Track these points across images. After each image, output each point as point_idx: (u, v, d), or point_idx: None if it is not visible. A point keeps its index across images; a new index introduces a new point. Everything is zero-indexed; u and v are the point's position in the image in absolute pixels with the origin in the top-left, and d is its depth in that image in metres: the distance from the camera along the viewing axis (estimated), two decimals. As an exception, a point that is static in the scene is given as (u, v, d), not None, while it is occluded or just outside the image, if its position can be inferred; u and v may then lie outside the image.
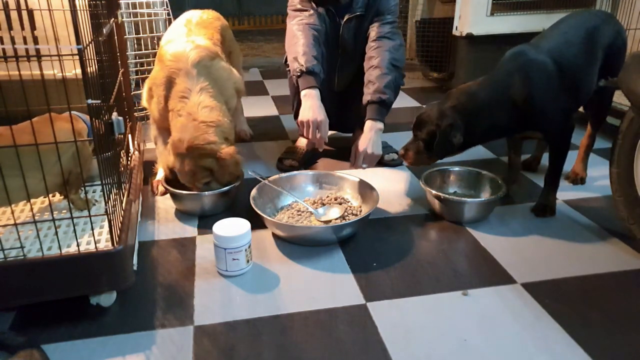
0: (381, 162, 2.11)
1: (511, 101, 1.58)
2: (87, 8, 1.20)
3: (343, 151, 2.26)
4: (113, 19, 1.78)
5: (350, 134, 2.35)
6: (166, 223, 1.68)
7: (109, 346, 1.15)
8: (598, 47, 1.71)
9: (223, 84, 1.77)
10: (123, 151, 1.62)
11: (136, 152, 1.82)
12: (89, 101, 1.06)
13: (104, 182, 1.14)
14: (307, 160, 2.15)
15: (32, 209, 1.43)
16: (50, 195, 1.49)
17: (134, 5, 2.51)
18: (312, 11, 1.98)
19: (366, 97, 1.89)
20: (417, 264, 1.46)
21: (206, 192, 1.66)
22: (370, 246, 1.55)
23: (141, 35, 2.56)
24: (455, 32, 2.94)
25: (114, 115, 1.28)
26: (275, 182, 1.74)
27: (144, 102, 1.86)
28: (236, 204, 1.75)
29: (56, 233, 1.23)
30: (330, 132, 2.44)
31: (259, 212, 1.55)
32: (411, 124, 1.71)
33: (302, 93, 1.86)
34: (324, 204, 1.72)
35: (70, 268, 1.16)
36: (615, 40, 1.76)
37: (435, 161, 1.71)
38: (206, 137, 1.61)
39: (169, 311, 1.26)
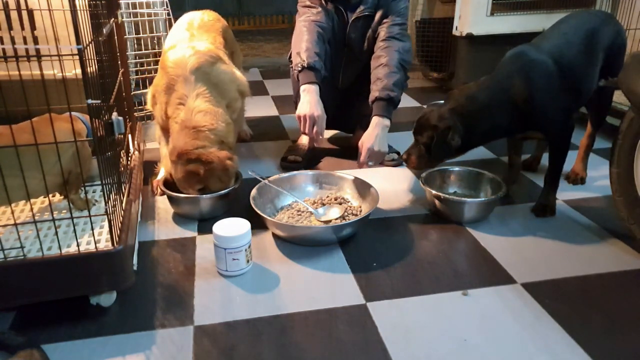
0: (381, 162, 2.11)
1: (512, 102, 1.58)
2: (87, 8, 1.20)
3: (344, 151, 2.26)
4: (113, 19, 1.78)
5: (351, 134, 2.35)
6: (166, 223, 1.68)
7: (109, 346, 1.15)
8: (598, 48, 1.71)
9: (224, 87, 1.76)
10: (123, 151, 1.62)
11: (136, 152, 1.82)
12: (89, 101, 1.06)
13: (104, 182, 1.14)
14: (310, 156, 2.15)
15: (32, 209, 1.43)
16: (50, 195, 1.49)
17: (134, 5, 2.51)
18: (320, 8, 2.00)
19: (374, 94, 1.88)
20: (417, 264, 1.46)
21: (203, 196, 1.65)
22: (370, 246, 1.55)
23: (141, 35, 2.56)
24: (455, 32, 2.94)
25: (114, 115, 1.28)
26: (275, 182, 1.74)
27: (149, 107, 1.88)
28: (236, 204, 1.75)
29: (56, 233, 1.23)
30: (331, 132, 2.45)
31: (259, 212, 1.55)
32: (411, 124, 1.71)
33: (302, 88, 1.87)
34: (324, 204, 1.72)
35: (70, 268, 1.16)
36: (615, 41, 1.76)
37: (437, 164, 1.71)
38: (195, 142, 1.60)
39: (169, 311, 1.26)
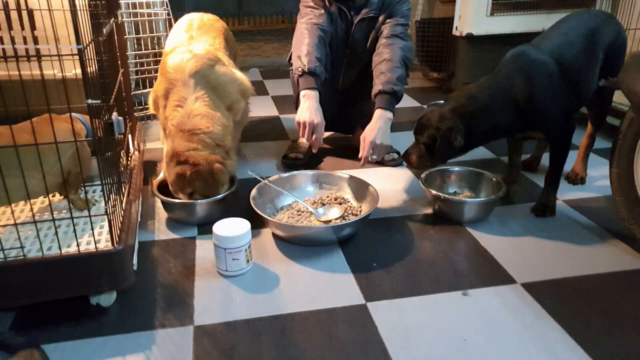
0: (381, 162, 2.11)
1: (513, 102, 1.58)
2: (87, 8, 1.20)
3: (345, 151, 2.26)
4: (113, 19, 1.78)
5: (350, 135, 2.35)
6: (166, 223, 1.68)
7: (109, 346, 1.15)
8: (598, 48, 1.71)
9: (224, 89, 1.76)
10: (123, 151, 1.62)
11: (136, 152, 1.82)
12: (89, 101, 1.06)
13: (104, 182, 1.14)
14: (311, 154, 2.15)
15: (32, 209, 1.43)
16: (50, 195, 1.49)
17: (134, 5, 2.51)
18: (322, 10, 1.99)
19: (377, 87, 1.87)
20: (417, 264, 1.46)
21: (197, 201, 1.60)
22: (370, 246, 1.55)
23: (141, 35, 2.56)
24: (455, 32, 2.94)
25: (114, 115, 1.28)
26: (275, 182, 1.74)
27: (152, 111, 1.88)
28: (236, 204, 1.75)
29: (56, 233, 1.23)
30: (330, 133, 2.45)
31: (259, 212, 1.55)
32: (411, 124, 1.71)
33: (302, 93, 1.87)
34: (324, 204, 1.72)
35: (70, 268, 1.16)
36: (615, 41, 1.76)
37: (439, 164, 1.71)
38: (188, 144, 1.59)
39: (169, 311, 1.26)
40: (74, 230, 1.20)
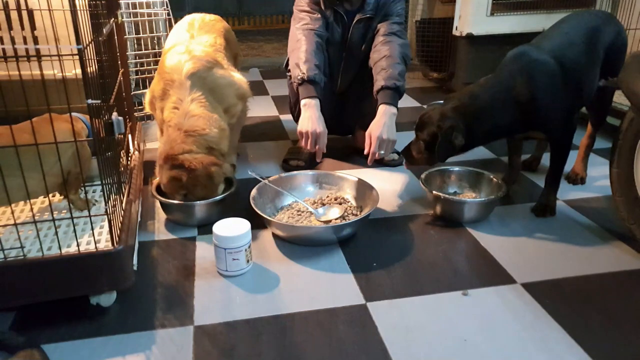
0: (381, 162, 2.11)
1: (514, 102, 1.58)
2: (87, 8, 1.20)
3: (345, 151, 2.26)
4: (113, 19, 1.78)
5: (349, 135, 2.35)
6: (166, 223, 1.68)
7: (109, 346, 1.15)
8: (599, 47, 1.71)
9: (221, 92, 1.74)
10: (123, 151, 1.62)
11: (136, 152, 1.82)
12: (89, 101, 1.06)
13: (104, 182, 1.14)
14: (312, 160, 2.15)
15: (32, 209, 1.43)
16: (50, 195, 1.49)
17: (134, 5, 2.51)
18: (318, 14, 1.98)
19: (379, 83, 1.86)
20: (417, 264, 1.46)
21: (197, 203, 1.60)
22: (370, 246, 1.55)
23: (141, 35, 2.56)
24: (455, 32, 2.94)
25: (114, 115, 1.28)
26: (275, 182, 1.74)
27: (148, 110, 1.87)
28: (236, 204, 1.75)
29: (56, 233, 1.23)
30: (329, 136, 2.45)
31: (259, 212, 1.55)
32: (411, 124, 1.71)
33: (302, 102, 1.86)
34: (324, 204, 1.72)
35: (70, 268, 1.16)
36: (615, 41, 1.76)
37: (437, 162, 1.71)
38: (182, 146, 1.57)
39: (169, 311, 1.26)
40: (74, 230, 1.20)
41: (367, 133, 1.82)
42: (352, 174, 1.80)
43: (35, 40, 1.72)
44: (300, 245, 1.54)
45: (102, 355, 1.12)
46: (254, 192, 1.65)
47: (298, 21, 2.00)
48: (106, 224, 1.26)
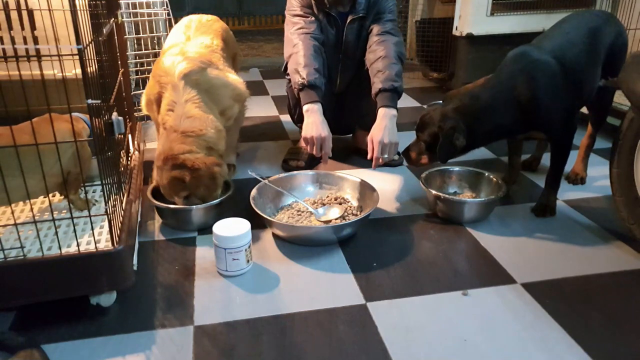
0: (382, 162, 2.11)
1: (516, 102, 1.58)
2: (87, 8, 1.20)
3: (345, 151, 2.26)
4: (113, 19, 1.78)
5: (349, 135, 2.36)
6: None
7: (109, 346, 1.15)
8: (600, 48, 1.71)
9: (217, 93, 1.73)
10: (123, 151, 1.62)
11: (136, 152, 1.82)
12: (89, 101, 1.06)
13: (104, 182, 1.14)
14: (312, 161, 2.15)
15: (32, 209, 1.43)
16: (50, 195, 1.49)
17: (134, 5, 2.51)
18: (312, 17, 1.98)
19: (377, 86, 1.86)
20: (417, 264, 1.46)
21: (193, 207, 1.58)
22: (370, 246, 1.55)
23: (141, 35, 2.56)
24: (455, 32, 2.94)
25: (114, 115, 1.28)
26: (275, 182, 1.74)
27: (145, 111, 1.86)
28: (236, 204, 1.74)
29: (56, 233, 1.23)
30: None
31: (259, 212, 1.55)
32: (411, 124, 1.71)
33: (305, 108, 1.85)
34: (324, 204, 1.72)
35: (70, 268, 1.16)
36: (616, 41, 1.76)
37: (437, 162, 1.71)
38: (182, 147, 1.56)
39: (169, 311, 1.26)
40: (74, 230, 1.21)
41: (369, 138, 1.81)
42: (352, 174, 1.80)
43: (35, 40, 1.72)
44: (300, 245, 1.54)
45: (102, 355, 1.12)
46: (254, 192, 1.65)
47: (292, 25, 1.99)
48: (106, 224, 1.26)
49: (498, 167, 2.13)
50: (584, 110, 1.95)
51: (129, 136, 1.82)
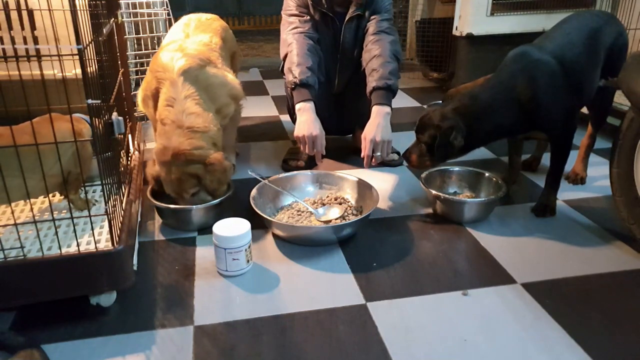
0: (381, 162, 2.11)
1: (516, 102, 1.58)
2: (87, 8, 1.20)
3: (344, 151, 2.26)
4: (113, 19, 1.78)
5: (349, 135, 2.36)
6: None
7: (109, 346, 1.15)
8: (600, 48, 1.71)
9: (214, 91, 1.72)
10: (123, 151, 1.62)
11: (136, 152, 1.82)
12: (89, 101, 1.06)
13: (104, 182, 1.14)
14: (312, 160, 2.15)
15: (32, 209, 1.43)
16: (50, 195, 1.49)
17: (134, 5, 2.51)
18: (307, 17, 1.98)
19: (371, 84, 1.86)
20: (417, 264, 1.46)
21: (194, 207, 1.58)
22: (370, 246, 1.55)
23: (141, 35, 2.56)
24: (455, 32, 2.94)
25: (114, 115, 1.28)
26: (275, 182, 1.74)
27: (141, 107, 1.84)
28: (236, 204, 1.74)
29: (56, 233, 1.23)
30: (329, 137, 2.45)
31: (259, 212, 1.55)
32: (411, 124, 1.71)
33: (297, 107, 1.85)
34: (324, 204, 1.72)
35: (70, 268, 1.16)
36: (616, 41, 1.76)
37: (439, 164, 1.71)
38: (193, 142, 1.55)
39: (169, 311, 1.26)
40: (74, 230, 1.21)
41: (362, 136, 1.81)
42: (352, 174, 1.80)
43: (35, 40, 1.72)
44: (300, 245, 1.54)
45: (102, 355, 1.12)
46: (254, 192, 1.65)
47: (287, 25, 2.00)
48: (106, 224, 1.26)
49: (498, 167, 2.13)
50: (584, 110, 1.95)
51: (129, 136, 1.82)
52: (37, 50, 1.61)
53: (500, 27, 2.84)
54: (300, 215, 1.67)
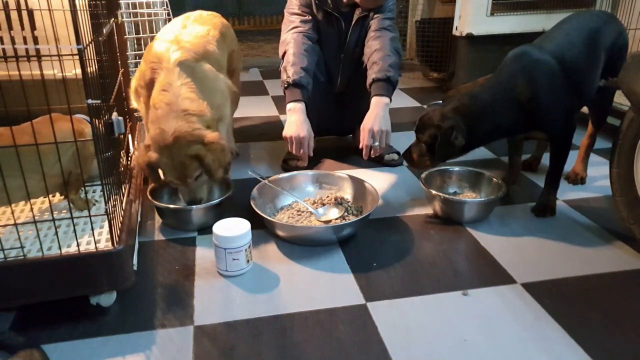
0: (381, 162, 2.11)
1: (516, 101, 1.58)
2: (87, 8, 1.20)
3: (344, 151, 2.26)
4: (113, 19, 1.78)
5: (349, 135, 2.36)
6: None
7: (109, 346, 1.15)
8: (600, 48, 1.71)
9: (210, 85, 1.69)
10: (123, 151, 1.61)
11: (136, 152, 1.81)
12: (89, 101, 1.06)
13: (104, 182, 1.14)
14: (311, 158, 2.15)
15: (32, 209, 1.43)
16: (51, 196, 1.49)
17: (134, 5, 2.51)
18: (309, 17, 1.98)
19: (371, 77, 1.87)
20: (417, 264, 1.46)
21: (194, 207, 1.57)
22: (370, 246, 1.55)
23: (141, 35, 2.56)
24: (455, 32, 2.94)
25: (114, 115, 1.28)
26: (275, 182, 1.74)
27: (133, 101, 1.80)
28: (236, 204, 1.74)
29: (56, 233, 1.23)
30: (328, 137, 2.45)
31: (259, 212, 1.55)
32: (411, 124, 1.71)
33: (288, 107, 1.86)
34: (324, 204, 1.72)
35: (70, 268, 1.16)
36: (617, 41, 1.76)
37: (439, 163, 1.71)
38: (190, 124, 1.51)
39: (169, 311, 1.26)
40: (74, 230, 1.21)
41: (361, 127, 1.81)
42: (352, 174, 1.80)
43: (35, 40, 1.72)
44: (300, 245, 1.54)
45: (102, 355, 1.12)
46: (254, 192, 1.65)
47: (288, 24, 2.00)
48: (106, 224, 1.26)
49: (498, 167, 2.13)
50: (584, 110, 1.96)
51: (129, 136, 1.82)
52: (37, 50, 1.61)
53: (500, 27, 2.84)
54: (300, 215, 1.67)
